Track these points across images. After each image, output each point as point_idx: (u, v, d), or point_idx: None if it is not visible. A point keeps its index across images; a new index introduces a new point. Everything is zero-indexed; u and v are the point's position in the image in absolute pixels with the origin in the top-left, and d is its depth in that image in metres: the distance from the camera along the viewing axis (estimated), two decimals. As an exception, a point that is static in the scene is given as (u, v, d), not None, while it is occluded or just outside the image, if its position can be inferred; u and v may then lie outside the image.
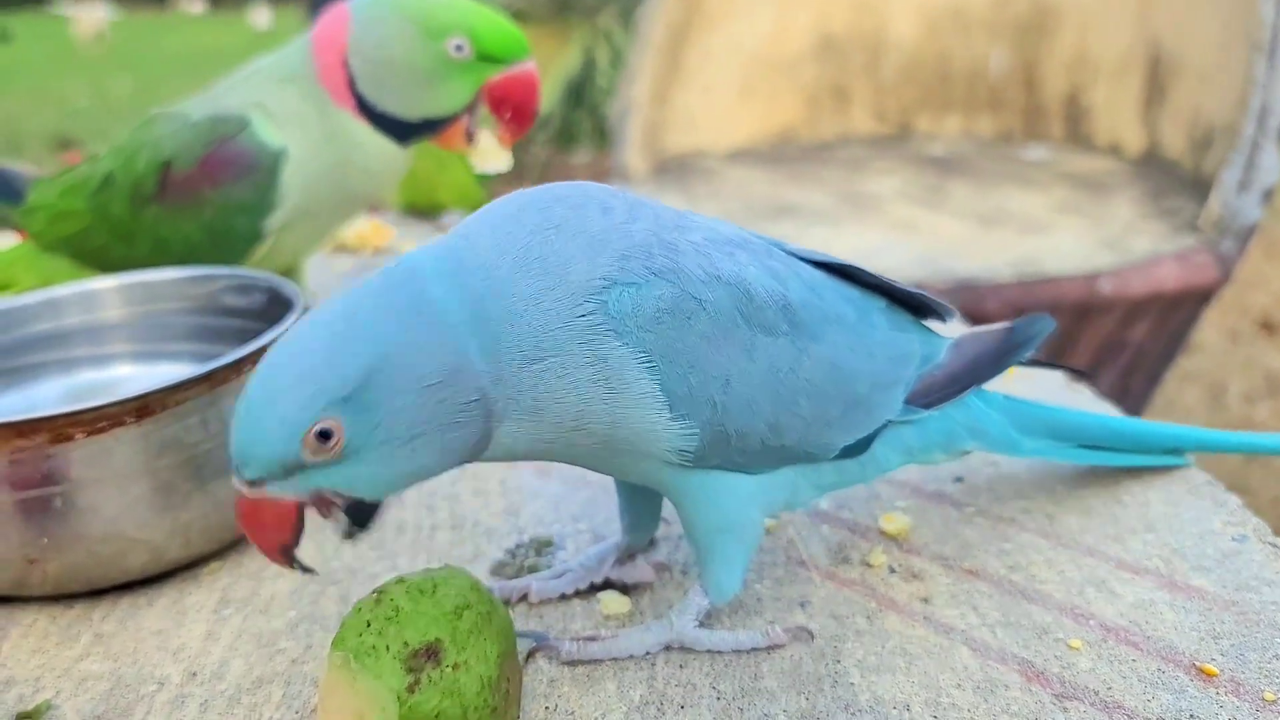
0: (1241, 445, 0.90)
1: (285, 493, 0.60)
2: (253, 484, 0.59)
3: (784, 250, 0.74)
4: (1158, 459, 0.91)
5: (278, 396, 0.58)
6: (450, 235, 0.65)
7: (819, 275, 0.74)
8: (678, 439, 0.65)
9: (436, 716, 0.58)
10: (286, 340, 0.60)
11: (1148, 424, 0.91)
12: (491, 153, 1.13)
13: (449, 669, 0.60)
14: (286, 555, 0.62)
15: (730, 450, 0.67)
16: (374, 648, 0.59)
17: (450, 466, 0.63)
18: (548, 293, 0.62)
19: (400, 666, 0.59)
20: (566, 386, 0.62)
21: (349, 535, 0.64)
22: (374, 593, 0.63)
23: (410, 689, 0.58)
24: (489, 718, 0.61)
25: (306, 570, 0.64)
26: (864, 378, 0.72)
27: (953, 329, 0.84)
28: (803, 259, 0.75)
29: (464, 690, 0.60)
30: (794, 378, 0.68)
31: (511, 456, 0.66)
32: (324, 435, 0.57)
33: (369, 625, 0.60)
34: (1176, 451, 0.91)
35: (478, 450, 0.63)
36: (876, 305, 0.77)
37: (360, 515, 0.63)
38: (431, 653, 0.60)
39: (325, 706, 0.60)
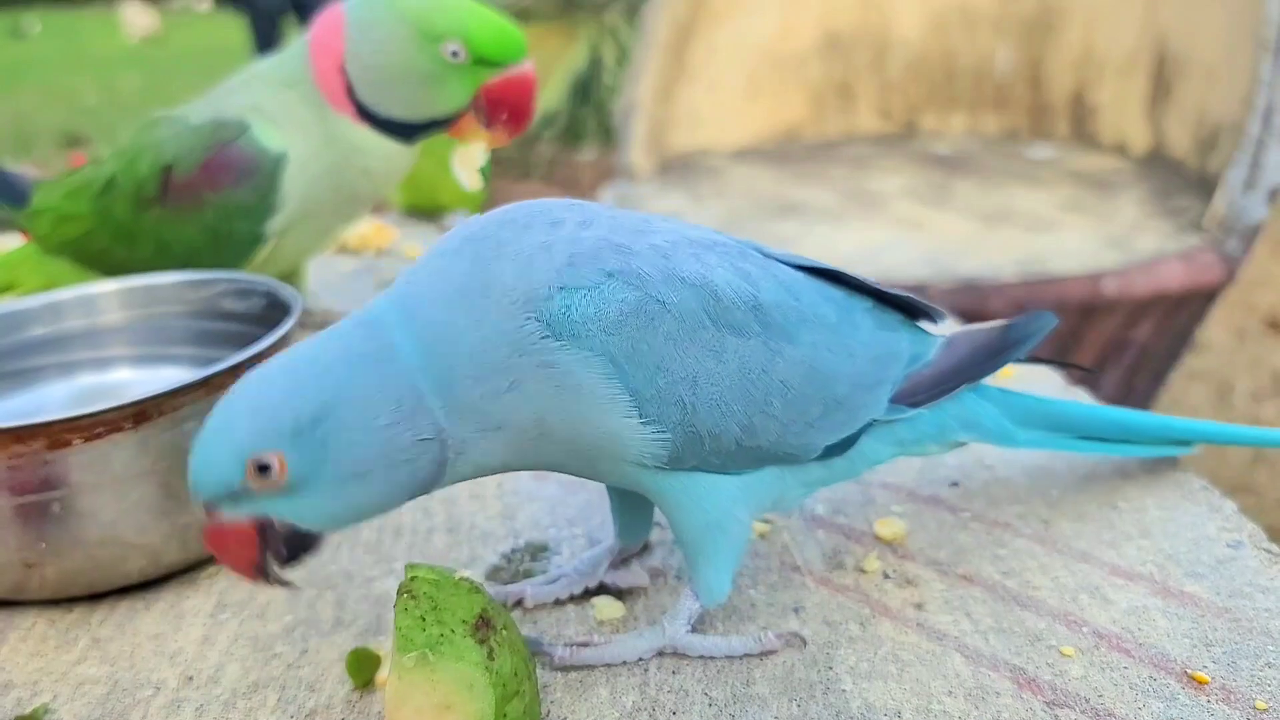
0: (1240, 438, 0.91)
1: (238, 516, 0.63)
2: (208, 509, 0.63)
3: (762, 253, 0.74)
4: (1160, 449, 0.91)
5: (230, 425, 0.62)
6: (401, 281, 0.67)
7: (798, 277, 0.74)
8: (648, 443, 0.66)
9: (514, 674, 0.63)
10: (253, 374, 0.64)
11: (1146, 415, 0.90)
12: (471, 164, 1.15)
13: (503, 630, 0.64)
14: (260, 572, 0.65)
15: (705, 452, 0.68)
16: (442, 636, 0.62)
17: (397, 503, 0.66)
18: (486, 315, 0.63)
19: (473, 642, 0.62)
20: (518, 399, 0.63)
21: (273, 577, 0.66)
22: (403, 594, 0.64)
23: (490, 657, 0.62)
24: (533, 671, 0.67)
25: (285, 584, 0.67)
26: (844, 378, 0.72)
27: (950, 327, 0.84)
28: (785, 263, 0.75)
29: (517, 645, 0.65)
30: (766, 378, 0.68)
31: (485, 472, 0.68)
32: (263, 468, 0.61)
33: (425, 619, 0.62)
34: (1183, 442, 0.91)
35: (427, 486, 0.65)
36: (861, 306, 0.77)
37: (296, 547, 0.65)
38: (485, 621, 0.63)
39: (399, 717, 0.61)
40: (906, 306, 0.80)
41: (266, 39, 6.16)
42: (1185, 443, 0.91)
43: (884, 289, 0.78)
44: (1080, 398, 1.08)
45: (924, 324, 0.82)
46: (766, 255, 0.74)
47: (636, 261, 0.65)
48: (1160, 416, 0.90)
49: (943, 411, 0.79)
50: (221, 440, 0.62)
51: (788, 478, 0.74)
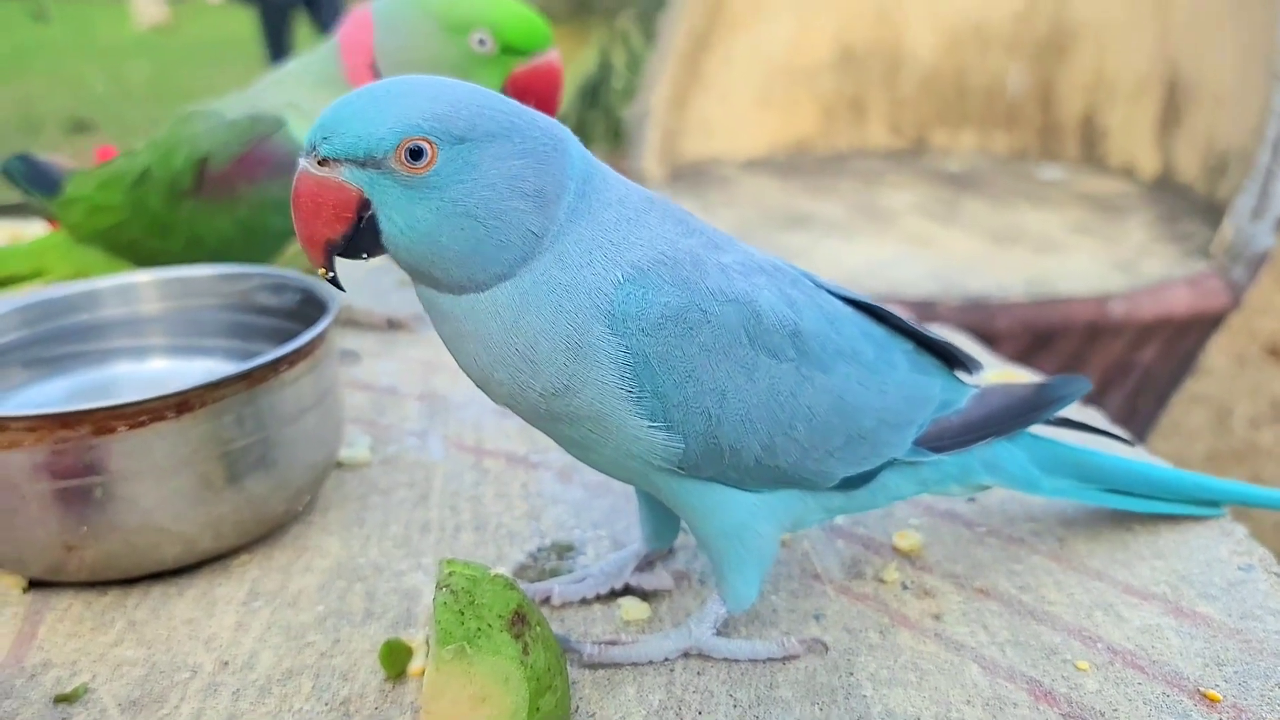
0: (1273, 502, 0.88)
1: (350, 181, 0.61)
2: (329, 160, 0.61)
3: (814, 283, 0.76)
4: (1191, 508, 0.90)
5: (407, 97, 0.62)
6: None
7: (844, 311, 0.75)
8: (659, 446, 0.67)
9: (548, 670, 0.65)
10: (443, 79, 0.65)
11: (1181, 473, 0.90)
12: None
13: (537, 627, 0.66)
14: (327, 253, 0.63)
15: (724, 465, 0.69)
16: (480, 630, 0.64)
17: (461, 270, 0.63)
18: (599, 248, 0.66)
19: (509, 637, 0.64)
20: (564, 305, 0.64)
21: (332, 263, 0.64)
22: (441, 589, 0.65)
23: (525, 652, 0.64)
24: (565, 667, 0.68)
25: (336, 284, 0.66)
26: (871, 413, 0.73)
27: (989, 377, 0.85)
28: (836, 295, 0.77)
29: (550, 642, 0.67)
30: (794, 402, 0.70)
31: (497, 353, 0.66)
32: (415, 153, 0.61)
33: (463, 614, 0.64)
34: (1212, 503, 0.90)
35: (483, 281, 0.64)
36: (902, 347, 0.78)
37: (359, 245, 0.63)
38: (520, 617, 0.65)
39: (435, 708, 0.63)
40: (946, 354, 0.81)
41: (276, 34, 6.17)
42: (1214, 504, 0.90)
43: (927, 334, 0.80)
44: (1091, 418, 1.10)
45: (960, 373, 0.83)
46: (818, 285, 0.76)
47: (697, 274, 0.67)
48: (1194, 475, 0.89)
49: (968, 454, 0.80)
50: (393, 106, 0.61)
51: (809, 501, 0.75)
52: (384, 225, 0.62)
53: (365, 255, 0.64)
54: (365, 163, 0.61)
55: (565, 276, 0.64)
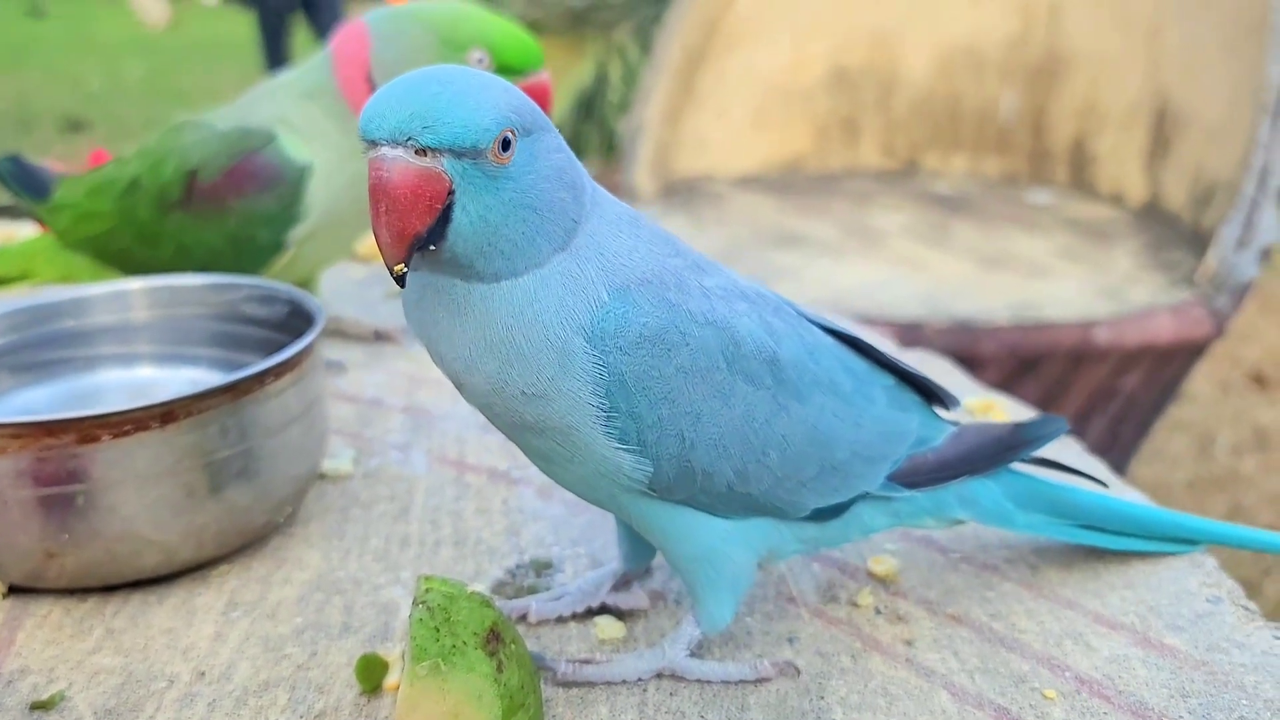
0: (1258, 543, 0.88)
1: (445, 172, 0.60)
2: (422, 152, 0.59)
3: (796, 312, 0.77)
4: (1166, 546, 0.90)
5: (495, 93, 0.62)
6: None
7: (825, 342, 0.76)
8: (628, 467, 0.68)
9: (521, 688, 0.66)
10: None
11: (1157, 510, 0.90)
12: None
13: (511, 645, 0.67)
14: (411, 247, 0.60)
15: (695, 488, 0.70)
16: (454, 647, 0.64)
17: (498, 267, 0.64)
18: (589, 267, 0.67)
19: (484, 654, 0.65)
20: (565, 305, 0.65)
21: (413, 258, 0.61)
22: (418, 605, 0.66)
23: (499, 669, 0.65)
24: (539, 685, 0.70)
25: (403, 283, 0.62)
26: (844, 445, 0.74)
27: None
28: (821, 326, 0.78)
29: (524, 660, 0.68)
30: (768, 429, 0.71)
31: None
32: (506, 144, 0.61)
33: (439, 630, 0.65)
34: (1189, 541, 0.90)
35: (529, 264, 0.65)
36: (882, 381, 0.79)
37: (433, 240, 0.61)
38: (495, 635, 0.66)
39: None
40: (925, 389, 0.82)
41: (274, 38, 6.19)
42: (1191, 541, 0.90)
43: (907, 369, 0.81)
44: (1071, 448, 1.11)
45: (938, 408, 0.83)
46: (800, 315, 0.77)
47: (680, 295, 0.68)
48: (1170, 512, 0.89)
49: (943, 490, 0.80)
50: (485, 95, 0.61)
51: (784, 531, 0.76)
52: (457, 215, 0.61)
53: (432, 247, 0.62)
54: (464, 153, 0.60)
55: (577, 270, 0.66)
